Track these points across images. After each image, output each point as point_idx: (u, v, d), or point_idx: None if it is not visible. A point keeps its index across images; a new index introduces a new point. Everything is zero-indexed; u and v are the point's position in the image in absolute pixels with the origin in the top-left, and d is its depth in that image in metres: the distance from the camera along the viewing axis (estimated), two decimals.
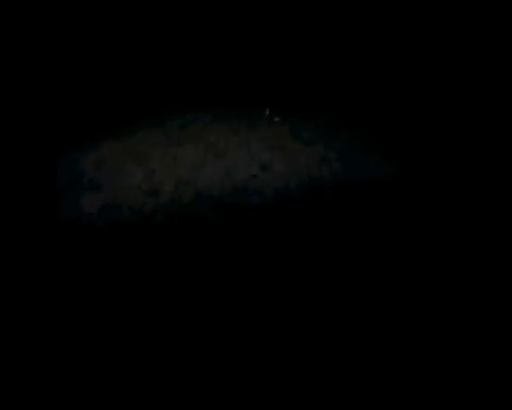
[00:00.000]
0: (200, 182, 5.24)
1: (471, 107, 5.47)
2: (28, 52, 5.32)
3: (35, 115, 4.90)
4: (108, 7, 6.33)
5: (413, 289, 3.26)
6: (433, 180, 4.83)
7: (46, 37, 5.48)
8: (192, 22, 7.29)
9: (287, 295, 3.36)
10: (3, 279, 2.76)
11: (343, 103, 7.21)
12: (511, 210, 3.86)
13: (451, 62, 5.93)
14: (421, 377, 2.36)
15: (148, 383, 2.71)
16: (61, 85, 5.84)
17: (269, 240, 3.91)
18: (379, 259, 3.59)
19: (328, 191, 4.92)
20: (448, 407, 2.19)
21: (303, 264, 3.63)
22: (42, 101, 5.30)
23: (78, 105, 6.56)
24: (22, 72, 5.22)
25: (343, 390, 2.62)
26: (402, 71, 6.70)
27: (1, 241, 3.24)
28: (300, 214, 4.37)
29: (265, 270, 3.58)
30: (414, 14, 6.32)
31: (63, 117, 5.98)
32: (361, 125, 6.68)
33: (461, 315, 2.86)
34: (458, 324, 2.62)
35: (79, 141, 5.84)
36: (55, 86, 5.72)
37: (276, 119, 6.62)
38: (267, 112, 6.46)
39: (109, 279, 3.34)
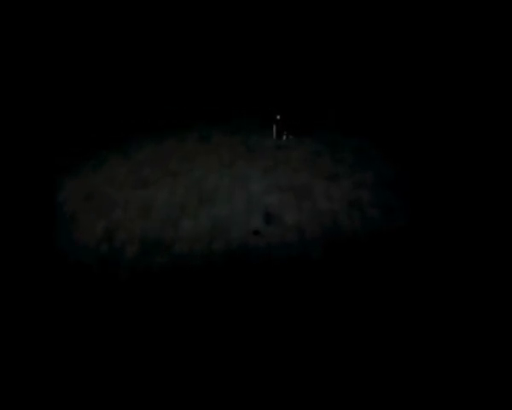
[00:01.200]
0: (176, 241, 3.74)
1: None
2: None
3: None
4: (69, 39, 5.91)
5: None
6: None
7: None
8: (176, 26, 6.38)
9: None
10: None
11: (373, 122, 5.88)
12: None
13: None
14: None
15: None
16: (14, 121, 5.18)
17: (277, 327, 2.72)
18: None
19: (362, 248, 3.47)
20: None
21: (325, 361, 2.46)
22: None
23: (35, 135, 5.45)
24: None
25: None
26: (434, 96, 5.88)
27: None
28: (324, 285, 3.01)
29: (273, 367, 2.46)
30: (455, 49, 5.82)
31: (21, 152, 5.06)
32: (394, 147, 5.22)
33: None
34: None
35: (36, 180, 4.64)
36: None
37: (289, 136, 5.19)
38: (274, 128, 4.98)
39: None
